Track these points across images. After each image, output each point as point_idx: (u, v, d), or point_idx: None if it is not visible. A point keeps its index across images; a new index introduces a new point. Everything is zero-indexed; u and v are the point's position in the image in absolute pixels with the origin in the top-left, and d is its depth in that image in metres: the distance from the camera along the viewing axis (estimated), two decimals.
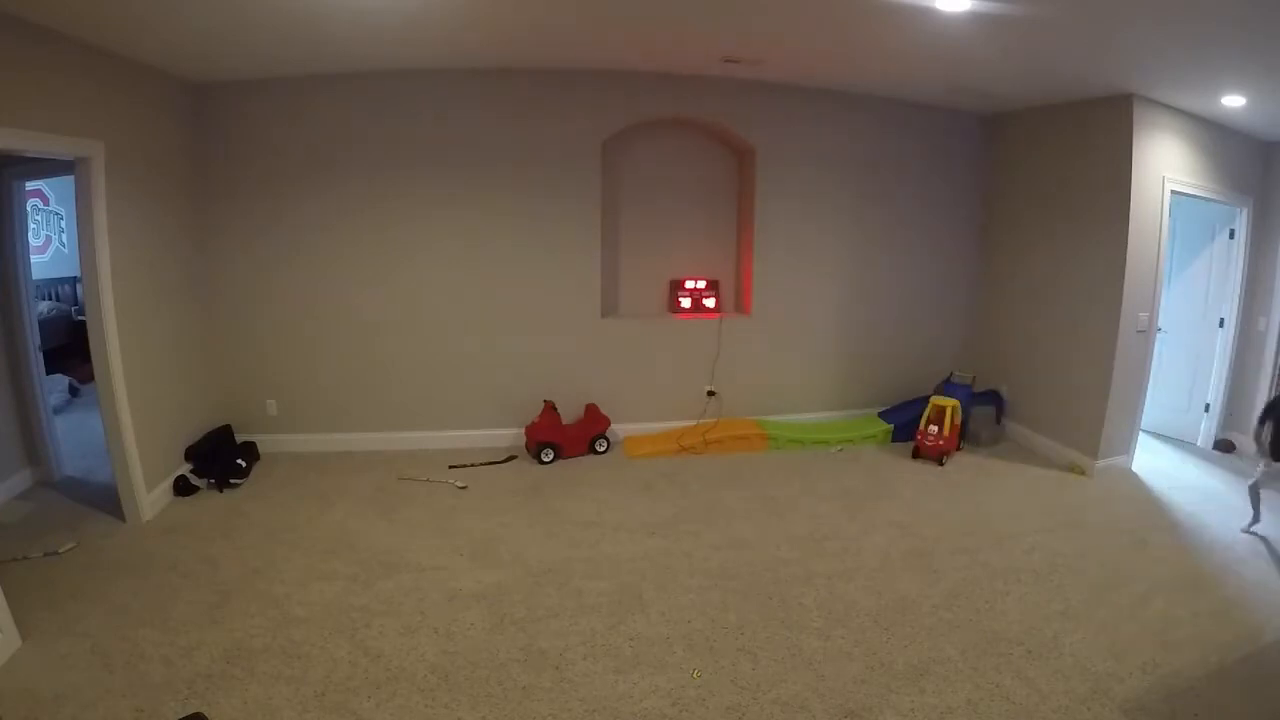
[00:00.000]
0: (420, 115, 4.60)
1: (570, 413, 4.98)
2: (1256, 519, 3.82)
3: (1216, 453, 5.18)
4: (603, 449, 4.94)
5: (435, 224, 4.76)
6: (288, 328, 4.77)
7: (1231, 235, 5.05)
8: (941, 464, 4.82)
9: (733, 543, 3.68)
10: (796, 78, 4.79)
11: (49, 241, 7.77)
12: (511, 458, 4.81)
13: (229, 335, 4.72)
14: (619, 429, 5.12)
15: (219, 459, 4.34)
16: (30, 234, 5.40)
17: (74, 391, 6.20)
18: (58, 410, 5.20)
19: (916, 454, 4.94)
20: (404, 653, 2.73)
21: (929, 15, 2.99)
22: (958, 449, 5.04)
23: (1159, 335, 4.89)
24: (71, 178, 3.47)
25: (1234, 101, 4.07)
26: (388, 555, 3.48)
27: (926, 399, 5.06)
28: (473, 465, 4.66)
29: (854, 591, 3.22)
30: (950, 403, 4.88)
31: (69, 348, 6.25)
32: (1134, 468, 4.79)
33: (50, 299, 7.28)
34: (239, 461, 4.39)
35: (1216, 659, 2.72)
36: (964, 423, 5.03)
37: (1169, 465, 4.93)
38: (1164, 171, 4.45)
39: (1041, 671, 2.64)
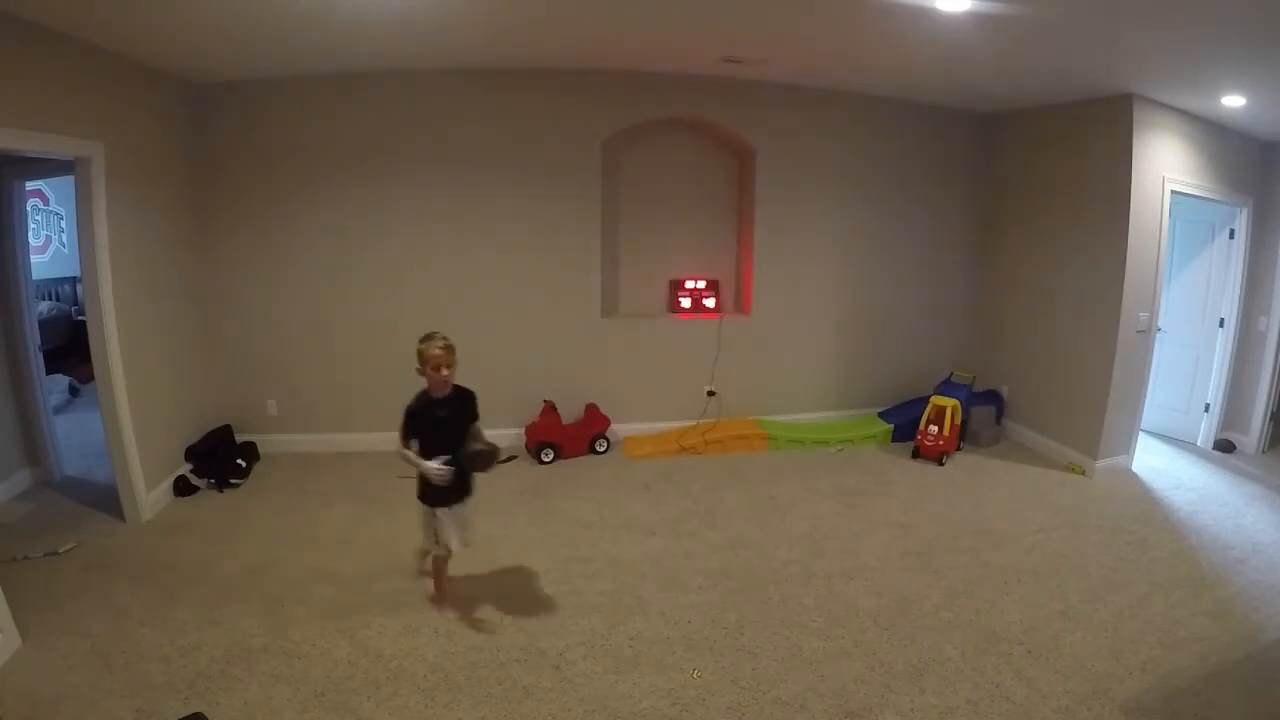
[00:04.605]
0: (420, 116, 4.60)
1: (570, 413, 4.98)
2: None
3: (1216, 453, 5.17)
4: (603, 449, 4.94)
5: (434, 224, 4.76)
6: (287, 328, 4.77)
7: (1231, 235, 5.05)
8: (941, 464, 4.82)
9: (733, 543, 3.68)
10: (797, 78, 4.80)
11: (49, 241, 7.77)
12: (511, 458, 4.81)
13: (229, 335, 4.72)
14: (619, 429, 5.11)
15: (219, 459, 4.35)
16: (30, 234, 5.40)
17: (74, 391, 6.20)
18: (58, 410, 5.20)
19: (916, 454, 4.94)
20: (404, 653, 2.73)
21: (929, 15, 2.99)
22: (958, 449, 5.04)
23: (1159, 335, 4.89)
24: (71, 178, 3.47)
25: (1234, 101, 4.07)
26: (387, 555, 3.48)
27: (926, 399, 5.05)
28: None
29: (854, 591, 3.22)
30: (950, 403, 4.88)
31: (69, 348, 6.25)
32: (1134, 468, 4.79)
33: (50, 299, 7.28)
34: (239, 461, 4.39)
35: (1216, 659, 2.72)
36: (964, 423, 5.03)
37: (1169, 465, 4.92)
38: (1164, 171, 4.45)
39: (1041, 671, 2.64)
